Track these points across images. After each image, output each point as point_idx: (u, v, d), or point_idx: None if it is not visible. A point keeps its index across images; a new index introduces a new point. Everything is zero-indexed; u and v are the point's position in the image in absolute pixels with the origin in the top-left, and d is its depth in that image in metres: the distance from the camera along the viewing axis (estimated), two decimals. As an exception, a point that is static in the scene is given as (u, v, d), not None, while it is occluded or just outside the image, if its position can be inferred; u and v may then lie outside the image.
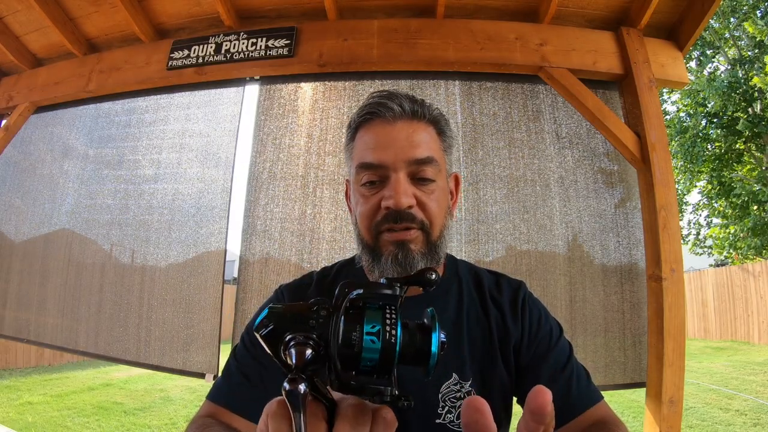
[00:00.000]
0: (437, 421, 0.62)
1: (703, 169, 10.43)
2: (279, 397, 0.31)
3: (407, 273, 0.60)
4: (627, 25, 1.73)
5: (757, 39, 9.17)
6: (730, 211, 10.20)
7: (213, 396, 0.66)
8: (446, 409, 0.63)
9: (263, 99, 1.88)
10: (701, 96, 9.82)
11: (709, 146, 10.27)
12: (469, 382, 0.64)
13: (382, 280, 0.33)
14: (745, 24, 9.32)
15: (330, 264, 0.78)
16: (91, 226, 2.05)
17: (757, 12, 9.31)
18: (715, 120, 9.85)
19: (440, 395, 0.63)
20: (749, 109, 9.57)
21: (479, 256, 1.68)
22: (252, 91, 1.96)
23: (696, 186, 11.48)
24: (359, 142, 0.66)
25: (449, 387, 0.64)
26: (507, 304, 0.70)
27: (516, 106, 1.81)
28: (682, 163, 10.51)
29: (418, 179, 0.62)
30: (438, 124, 0.67)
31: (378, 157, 0.62)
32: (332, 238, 1.73)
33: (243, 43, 1.82)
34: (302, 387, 0.27)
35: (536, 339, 0.67)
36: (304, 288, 0.72)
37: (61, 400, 5.03)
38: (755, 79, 8.87)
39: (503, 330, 0.68)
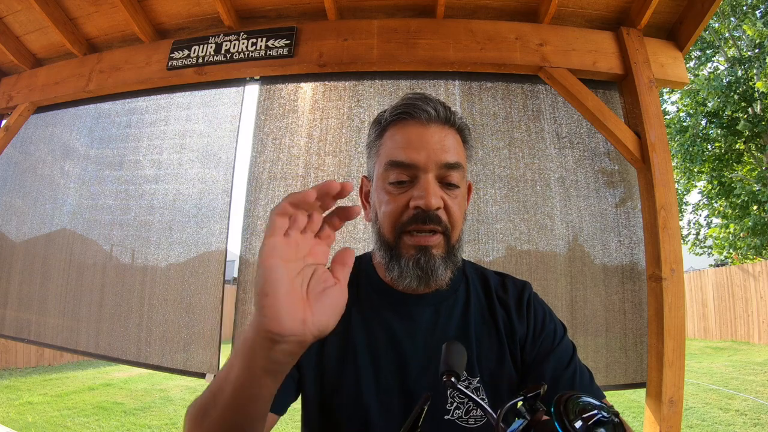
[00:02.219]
0: (446, 417, 0.63)
1: (703, 169, 10.44)
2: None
3: (428, 277, 0.62)
4: (627, 25, 1.73)
5: (756, 41, 9.17)
6: (730, 211, 10.20)
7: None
8: (455, 405, 0.64)
9: (263, 99, 1.88)
10: (701, 96, 9.82)
11: (709, 146, 10.27)
12: (478, 379, 0.65)
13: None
14: (744, 27, 9.32)
15: None
16: (92, 226, 2.05)
17: (757, 12, 9.31)
18: (714, 120, 9.85)
19: (449, 392, 0.64)
20: (749, 109, 9.57)
21: (479, 256, 1.68)
22: (252, 91, 1.97)
23: (696, 186, 11.49)
24: (389, 141, 0.66)
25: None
26: (513, 303, 0.71)
27: (516, 106, 1.81)
28: (682, 162, 10.50)
29: (445, 183, 0.64)
30: (464, 132, 0.69)
31: (410, 157, 0.62)
32: (332, 238, 1.73)
33: (243, 43, 1.82)
34: None
35: (540, 337, 0.69)
36: None
37: (61, 400, 5.03)
38: (758, 84, 8.86)
39: (509, 328, 0.69)
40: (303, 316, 0.38)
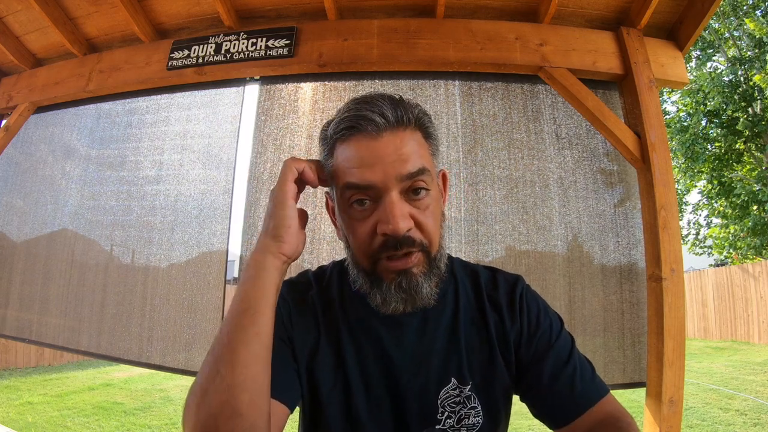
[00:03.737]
0: (437, 427, 0.62)
1: (703, 168, 10.43)
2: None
3: (413, 298, 0.60)
4: (627, 25, 1.73)
5: (758, 37, 9.17)
6: (730, 211, 10.20)
7: None
8: (446, 414, 0.62)
9: (263, 99, 1.88)
10: (700, 95, 9.82)
11: (709, 146, 10.27)
12: (469, 387, 0.64)
13: None
14: (747, 20, 9.31)
15: (324, 264, 0.77)
16: (93, 227, 2.06)
17: (757, 12, 9.32)
18: (715, 120, 9.85)
19: (440, 401, 0.63)
20: (749, 109, 9.57)
21: (479, 257, 1.69)
22: (252, 91, 1.97)
23: (696, 186, 11.48)
24: (340, 159, 0.60)
25: (448, 392, 0.63)
26: (504, 302, 0.68)
27: (516, 106, 1.81)
28: (682, 160, 10.50)
29: (412, 191, 0.59)
30: (423, 125, 0.62)
31: (366, 177, 0.57)
32: (333, 238, 1.73)
33: (243, 43, 1.82)
34: None
35: (536, 336, 0.66)
36: (304, 287, 0.71)
37: (61, 400, 5.04)
38: (756, 77, 8.86)
39: (501, 329, 0.67)
40: (296, 244, 0.60)
